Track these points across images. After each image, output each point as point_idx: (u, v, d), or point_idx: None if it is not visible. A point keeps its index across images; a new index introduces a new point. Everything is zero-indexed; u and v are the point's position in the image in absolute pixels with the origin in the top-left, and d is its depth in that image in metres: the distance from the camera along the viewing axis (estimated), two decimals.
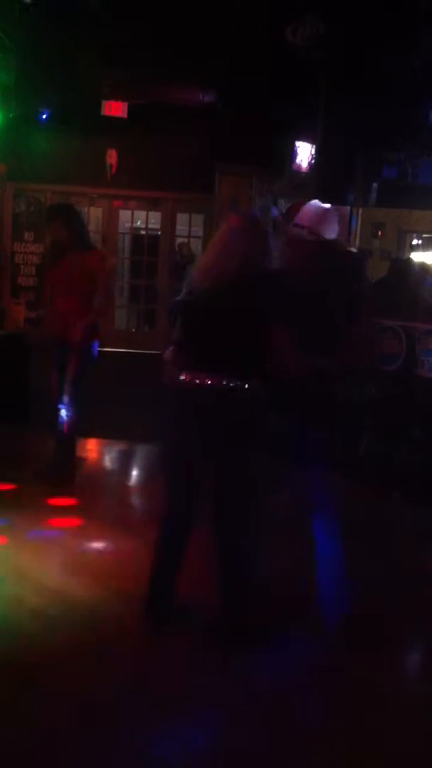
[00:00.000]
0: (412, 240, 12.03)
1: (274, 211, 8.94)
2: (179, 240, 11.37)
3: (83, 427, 5.60)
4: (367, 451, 5.99)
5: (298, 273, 3.38)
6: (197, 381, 3.21)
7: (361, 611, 3.53)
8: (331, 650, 3.32)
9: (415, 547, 4.72)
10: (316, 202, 3.66)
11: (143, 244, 11.46)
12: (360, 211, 8.77)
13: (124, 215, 11.40)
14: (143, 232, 11.66)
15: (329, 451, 3.55)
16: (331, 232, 3.52)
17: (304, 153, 10.16)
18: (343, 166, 8.17)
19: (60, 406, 5.32)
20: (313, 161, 9.70)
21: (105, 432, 6.67)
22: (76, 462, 5.55)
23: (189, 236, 11.26)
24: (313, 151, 9.72)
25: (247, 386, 3.20)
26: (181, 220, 11.17)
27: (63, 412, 5.30)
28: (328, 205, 3.66)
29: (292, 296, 3.23)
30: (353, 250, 3.82)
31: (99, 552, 4.36)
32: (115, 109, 10.13)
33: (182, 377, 3.24)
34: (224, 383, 3.19)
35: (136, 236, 11.65)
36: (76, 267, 5.29)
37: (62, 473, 5.34)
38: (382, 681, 3.18)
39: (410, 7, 7.36)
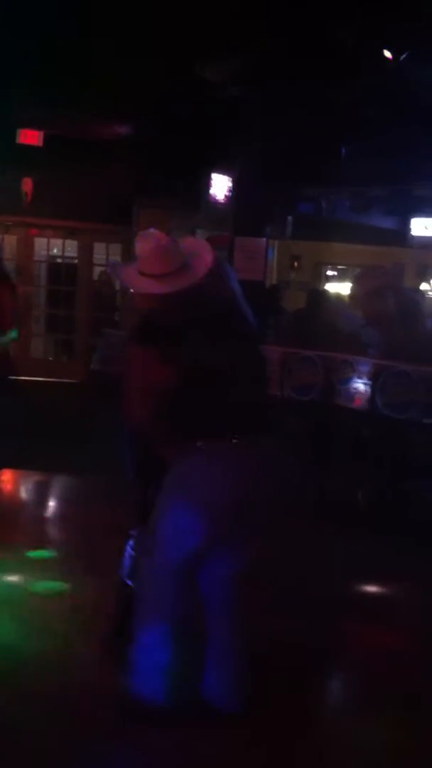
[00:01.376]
0: (327, 272, 12.30)
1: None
2: (98, 269, 11.35)
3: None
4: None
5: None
6: None
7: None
8: None
9: (341, 572, 4.72)
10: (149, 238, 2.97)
11: (60, 273, 11.37)
12: (276, 243, 8.93)
13: (40, 243, 11.31)
14: (59, 261, 11.58)
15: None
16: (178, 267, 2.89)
17: (220, 185, 10.30)
18: (259, 200, 8.31)
19: None
20: (229, 194, 9.84)
21: (20, 463, 6.49)
22: None
23: (107, 264, 11.25)
24: (230, 184, 9.86)
25: None
26: (99, 249, 11.15)
27: None
28: (154, 239, 2.95)
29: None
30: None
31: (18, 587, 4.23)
32: (31, 137, 10.08)
33: None
34: None
35: (52, 265, 11.55)
36: None
37: None
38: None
39: (327, 42, 7.56)
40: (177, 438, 2.92)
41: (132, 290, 3.08)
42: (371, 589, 4.63)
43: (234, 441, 2.88)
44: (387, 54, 7.78)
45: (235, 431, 2.90)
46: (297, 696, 3.24)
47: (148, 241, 2.96)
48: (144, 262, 2.94)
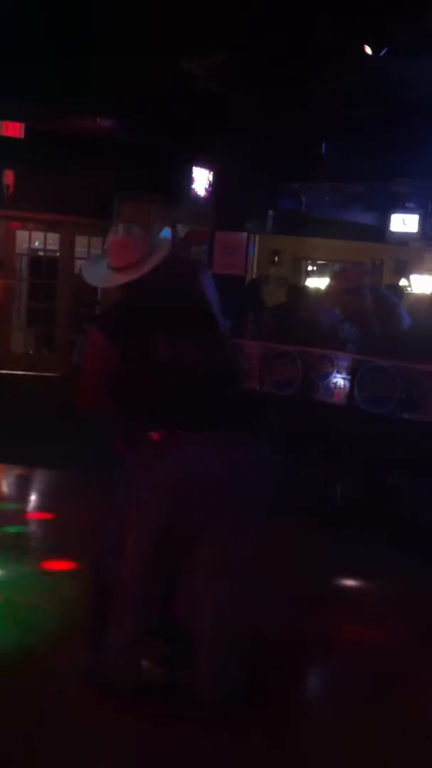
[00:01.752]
0: (307, 267, 12.36)
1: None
2: (80, 262, 11.32)
3: None
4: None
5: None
6: None
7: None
8: None
9: (325, 569, 4.72)
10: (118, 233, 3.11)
11: (41, 266, 11.33)
12: (257, 238, 8.95)
13: (22, 236, 11.26)
14: (41, 254, 11.54)
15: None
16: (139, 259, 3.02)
17: (201, 179, 10.32)
18: (240, 195, 8.34)
19: None
20: (210, 188, 9.86)
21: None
22: None
23: (89, 258, 11.22)
24: (211, 178, 9.88)
25: None
26: (81, 242, 11.13)
27: None
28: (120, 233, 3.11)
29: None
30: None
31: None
32: (12, 129, 10.05)
33: None
34: None
35: (34, 258, 11.51)
36: None
37: None
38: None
39: (308, 38, 7.60)
40: (136, 430, 2.98)
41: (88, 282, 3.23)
42: (358, 585, 4.67)
43: (191, 435, 2.92)
44: (367, 50, 7.84)
45: (194, 426, 2.94)
46: (293, 693, 3.29)
47: (110, 235, 3.11)
48: (109, 255, 3.11)
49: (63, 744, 2.79)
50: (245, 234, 8.51)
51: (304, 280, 11.83)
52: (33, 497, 6.29)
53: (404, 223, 10.23)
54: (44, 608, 3.86)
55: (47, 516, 5.61)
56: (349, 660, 3.61)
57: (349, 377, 5.70)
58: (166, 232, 9.48)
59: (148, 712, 2.96)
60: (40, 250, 11.55)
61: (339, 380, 5.79)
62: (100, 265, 3.16)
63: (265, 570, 4.22)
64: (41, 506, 5.99)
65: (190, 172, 10.22)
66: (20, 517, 5.55)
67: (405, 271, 11.69)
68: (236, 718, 2.98)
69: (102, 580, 3.21)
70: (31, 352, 11.48)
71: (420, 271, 11.62)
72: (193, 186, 10.36)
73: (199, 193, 10.37)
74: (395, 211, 10.23)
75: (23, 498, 6.20)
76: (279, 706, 3.14)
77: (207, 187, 10.18)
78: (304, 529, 5.23)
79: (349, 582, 4.67)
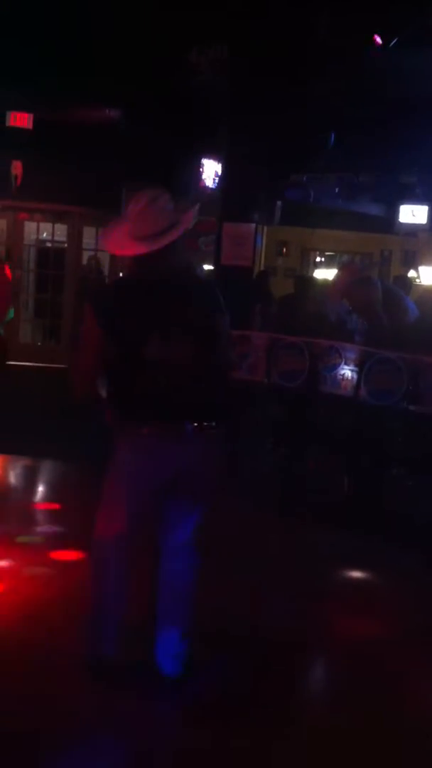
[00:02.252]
0: (315, 258, 12.33)
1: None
2: (88, 254, 11.34)
3: None
4: (272, 468, 6.07)
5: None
6: None
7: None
8: None
9: (308, 566, 4.63)
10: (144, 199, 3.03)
11: (49, 257, 11.35)
12: (264, 229, 8.89)
13: (30, 227, 11.28)
14: (49, 245, 11.56)
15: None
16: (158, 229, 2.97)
17: (210, 170, 10.28)
18: (248, 186, 8.29)
19: None
20: (218, 179, 9.82)
21: (6, 447, 6.50)
22: None
23: (96, 249, 11.23)
24: (219, 169, 9.84)
25: None
26: (88, 233, 11.14)
27: None
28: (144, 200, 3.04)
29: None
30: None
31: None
32: (20, 119, 10.04)
33: None
34: None
35: (41, 249, 11.54)
36: None
37: None
38: None
39: (311, 34, 7.58)
40: (119, 422, 3.01)
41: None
42: (358, 582, 4.62)
43: (158, 428, 2.94)
44: (378, 40, 7.78)
45: (177, 420, 2.96)
46: (293, 693, 3.28)
47: (131, 202, 3.07)
48: (129, 223, 3.04)
49: (63, 743, 2.79)
50: (253, 225, 8.45)
51: (312, 271, 11.80)
52: (39, 488, 6.29)
53: (413, 213, 10.15)
54: (49, 599, 3.86)
55: (53, 507, 5.61)
56: (349, 658, 3.59)
57: (356, 369, 5.67)
58: None
59: (148, 710, 2.96)
60: (48, 241, 11.56)
61: (346, 372, 5.77)
62: (120, 232, 3.08)
63: (265, 566, 4.25)
64: (46, 497, 6.00)
65: (199, 162, 10.19)
66: (27, 510, 5.55)
67: (414, 263, 11.63)
68: (236, 718, 2.98)
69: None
70: (39, 343, 11.51)
71: (429, 262, 11.56)
72: (202, 177, 10.32)
73: (207, 184, 10.34)
74: (404, 202, 10.15)
75: (29, 489, 6.21)
76: (279, 706, 3.13)
77: (215, 177, 10.15)
78: (305, 525, 5.21)
79: (350, 578, 4.63)
